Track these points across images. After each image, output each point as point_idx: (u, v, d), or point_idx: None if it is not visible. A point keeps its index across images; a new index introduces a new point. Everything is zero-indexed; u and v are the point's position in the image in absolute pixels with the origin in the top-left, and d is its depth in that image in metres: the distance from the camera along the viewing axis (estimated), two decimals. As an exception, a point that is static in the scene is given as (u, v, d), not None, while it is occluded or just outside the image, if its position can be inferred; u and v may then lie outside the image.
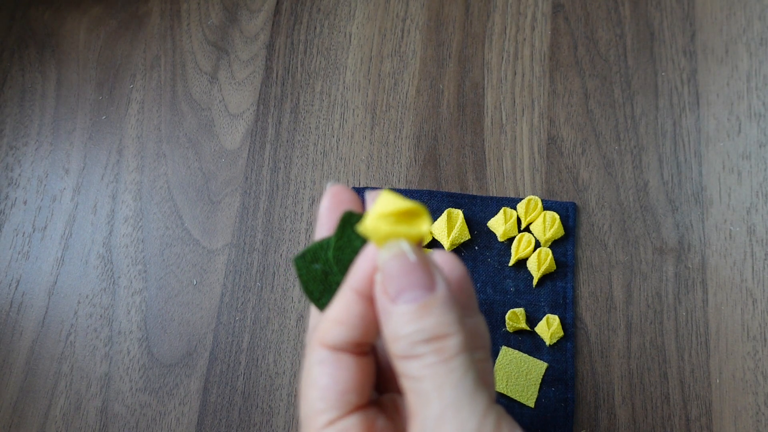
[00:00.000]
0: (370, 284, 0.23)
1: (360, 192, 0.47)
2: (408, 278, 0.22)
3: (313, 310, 0.28)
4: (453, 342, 0.21)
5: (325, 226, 0.27)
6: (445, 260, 0.27)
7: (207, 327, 0.45)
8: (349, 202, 0.27)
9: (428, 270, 0.22)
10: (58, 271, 0.46)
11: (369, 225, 0.23)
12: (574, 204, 0.46)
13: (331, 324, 0.24)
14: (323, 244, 0.26)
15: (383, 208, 0.23)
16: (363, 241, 0.25)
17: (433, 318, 0.21)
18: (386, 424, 0.24)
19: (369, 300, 0.23)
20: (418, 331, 0.21)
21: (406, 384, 0.22)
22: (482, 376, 0.22)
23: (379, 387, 0.26)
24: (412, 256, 0.22)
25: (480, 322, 0.26)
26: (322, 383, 0.23)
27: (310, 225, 0.47)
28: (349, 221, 0.25)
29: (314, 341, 0.24)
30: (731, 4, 0.50)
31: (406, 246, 0.22)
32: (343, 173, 0.48)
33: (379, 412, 0.24)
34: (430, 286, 0.22)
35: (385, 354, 0.27)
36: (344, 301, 0.24)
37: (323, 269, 0.26)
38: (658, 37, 0.50)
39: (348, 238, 0.25)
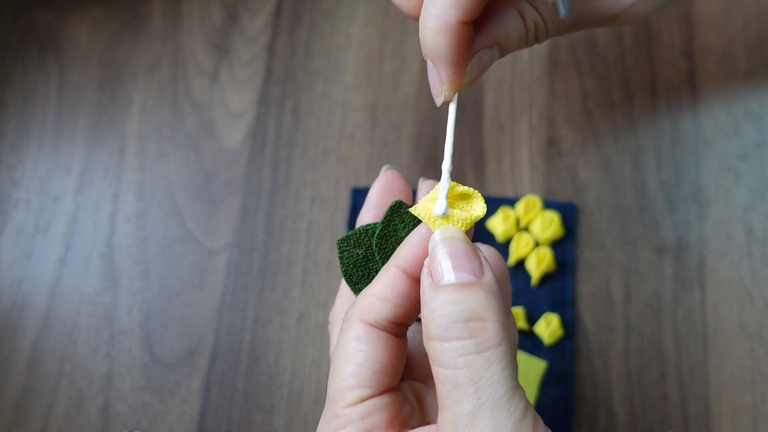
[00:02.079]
0: (417, 263, 0.23)
1: (360, 193, 0.47)
2: (457, 262, 0.21)
3: (344, 288, 0.28)
4: (492, 328, 0.20)
5: (371, 211, 0.27)
6: (490, 255, 0.27)
7: (208, 326, 0.45)
8: (401, 191, 0.27)
9: (477, 257, 0.22)
10: (60, 271, 0.46)
11: (419, 207, 0.23)
12: (573, 204, 0.46)
13: (373, 300, 0.23)
14: (368, 230, 0.26)
15: (435, 194, 0.23)
16: (408, 232, 0.25)
17: (475, 300, 0.21)
18: (411, 409, 0.24)
19: (414, 280, 0.23)
20: (457, 310, 0.20)
21: (439, 373, 0.21)
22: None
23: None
24: (462, 242, 0.22)
25: (513, 323, 0.26)
26: (358, 359, 0.23)
27: (311, 224, 0.47)
28: (398, 211, 0.25)
29: (354, 316, 0.23)
30: (728, 5, 0.51)
31: (457, 231, 0.22)
32: (343, 173, 0.48)
33: (405, 398, 0.24)
34: (478, 272, 0.21)
35: (410, 340, 0.27)
36: (389, 279, 0.23)
37: (365, 255, 0.26)
38: (656, 38, 0.50)
39: (394, 228, 0.25)
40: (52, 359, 0.44)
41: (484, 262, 0.22)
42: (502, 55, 0.26)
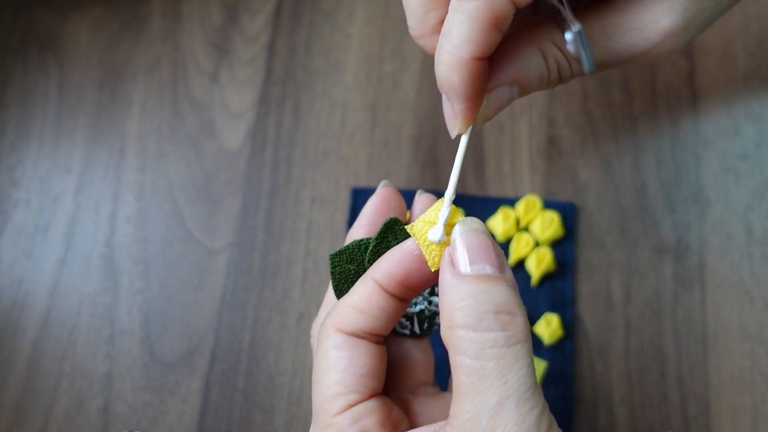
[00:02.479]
0: (393, 281, 0.23)
1: (360, 193, 0.47)
2: (481, 253, 0.22)
3: (329, 299, 0.28)
4: (520, 322, 0.21)
5: (364, 228, 0.27)
6: None
7: (208, 326, 0.45)
8: (396, 209, 0.27)
9: (499, 252, 0.22)
10: (60, 271, 0.46)
11: (416, 228, 0.23)
12: (573, 204, 0.46)
13: (350, 310, 0.23)
14: (361, 246, 0.26)
15: (432, 216, 0.23)
16: None
17: (502, 293, 0.21)
18: (401, 415, 0.24)
19: (389, 295, 0.23)
20: (488, 301, 0.20)
21: (463, 362, 0.20)
22: None
23: (385, 387, 0.26)
24: (486, 236, 0.22)
25: None
26: (341, 366, 0.23)
27: (311, 225, 0.47)
28: (392, 228, 0.25)
29: (330, 326, 0.24)
30: (729, 6, 0.51)
31: (480, 224, 0.23)
32: (343, 173, 0.48)
33: (393, 404, 0.24)
34: (500, 267, 0.22)
35: (393, 350, 0.27)
36: (366, 291, 0.23)
37: (357, 270, 0.26)
38: (656, 39, 0.50)
39: (387, 245, 0.25)
40: (52, 359, 0.44)
41: (504, 259, 0.22)
42: (522, 93, 0.26)
